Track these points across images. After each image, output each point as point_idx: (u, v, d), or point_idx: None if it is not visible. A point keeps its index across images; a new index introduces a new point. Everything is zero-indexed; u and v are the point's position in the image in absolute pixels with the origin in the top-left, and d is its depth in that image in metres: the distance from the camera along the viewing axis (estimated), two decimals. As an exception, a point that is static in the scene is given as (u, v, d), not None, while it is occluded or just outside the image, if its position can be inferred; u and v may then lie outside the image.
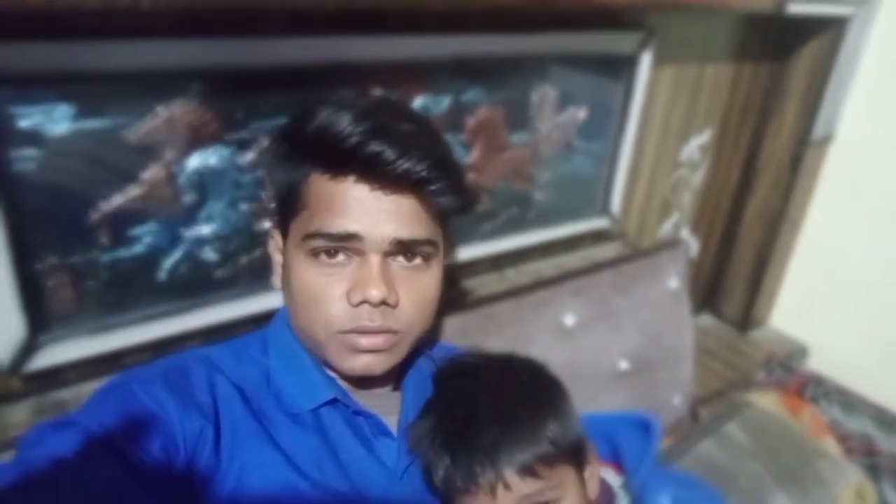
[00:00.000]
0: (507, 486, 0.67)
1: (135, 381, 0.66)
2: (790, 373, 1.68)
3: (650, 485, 0.80)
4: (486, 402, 0.71)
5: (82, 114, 0.83)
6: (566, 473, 0.72)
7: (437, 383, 0.79)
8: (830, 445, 1.47)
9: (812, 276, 1.79)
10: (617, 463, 0.85)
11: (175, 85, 0.89)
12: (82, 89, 0.82)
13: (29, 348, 0.87)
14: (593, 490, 0.76)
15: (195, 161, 0.94)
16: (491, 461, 0.67)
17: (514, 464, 0.67)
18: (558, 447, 0.70)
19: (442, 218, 0.74)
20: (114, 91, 0.85)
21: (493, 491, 0.67)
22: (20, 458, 0.56)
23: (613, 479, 0.84)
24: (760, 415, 1.45)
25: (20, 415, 0.88)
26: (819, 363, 1.76)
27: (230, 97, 0.94)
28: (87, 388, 0.91)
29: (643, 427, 0.86)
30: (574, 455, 0.73)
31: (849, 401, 1.55)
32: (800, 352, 1.79)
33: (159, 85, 0.88)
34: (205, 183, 0.96)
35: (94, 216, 0.89)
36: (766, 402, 1.53)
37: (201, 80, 0.91)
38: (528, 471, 0.67)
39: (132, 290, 0.95)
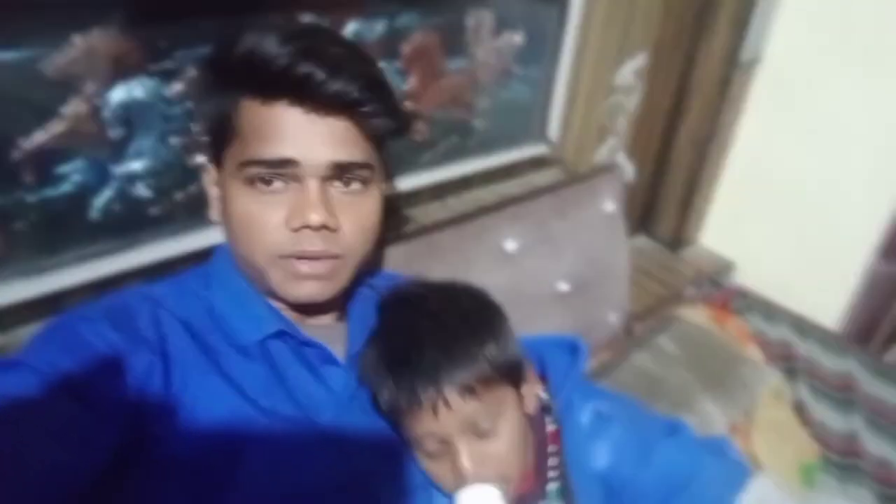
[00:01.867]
0: (448, 405, 0.69)
1: (78, 320, 0.66)
2: (718, 287, 1.78)
3: (573, 401, 0.84)
4: (428, 327, 0.73)
5: (-7, 45, 0.78)
6: (505, 392, 0.75)
7: (380, 312, 0.80)
8: (753, 353, 1.59)
9: (740, 196, 1.87)
10: (543, 378, 0.88)
11: (92, 12, 0.84)
12: (-10, 19, 0.77)
13: (-42, 294, 0.85)
14: (531, 405, 0.80)
15: (119, 94, 0.90)
16: (432, 381, 0.69)
17: (454, 383, 0.70)
18: (496, 367, 0.73)
19: (377, 141, 0.74)
20: (26, 21, 0.80)
21: (434, 410, 0.70)
22: None
23: (545, 394, 0.88)
24: (689, 327, 1.54)
25: (-44, 362, 0.86)
26: (745, 278, 1.86)
27: (152, 25, 0.89)
28: (26, 332, 0.89)
29: (571, 349, 0.89)
30: (512, 374, 0.76)
31: (770, 311, 1.66)
32: (727, 267, 1.89)
33: (75, 13, 0.83)
34: (131, 117, 0.92)
35: (16, 155, 0.85)
36: (695, 315, 1.62)
37: (119, 7, 0.86)
38: (467, 389, 0.70)
39: (64, 230, 0.93)
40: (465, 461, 0.71)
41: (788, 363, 1.59)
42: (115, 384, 0.62)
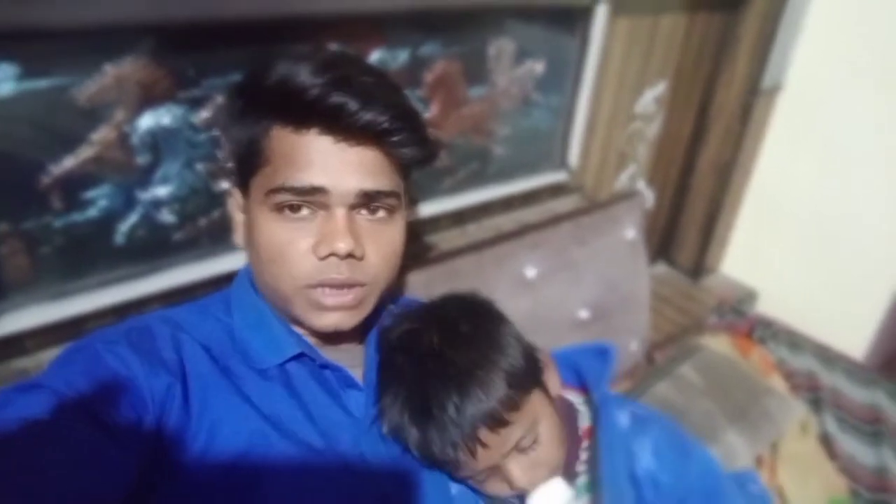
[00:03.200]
0: (485, 445, 0.69)
1: (98, 342, 0.66)
2: (740, 316, 1.76)
3: (610, 401, 0.85)
4: (436, 370, 0.71)
5: (27, 74, 0.80)
6: (532, 398, 0.74)
7: (384, 358, 0.77)
8: (777, 383, 1.55)
9: (761, 224, 1.86)
10: (582, 387, 0.89)
11: (123, 42, 0.86)
12: (26, 48, 0.79)
13: (-15, 317, 0.86)
14: (554, 387, 0.80)
15: (147, 121, 0.91)
16: (461, 430, 0.68)
17: (483, 422, 0.68)
18: (516, 383, 0.71)
19: (404, 170, 0.74)
20: (60, 49, 0.82)
21: (473, 454, 0.69)
22: None
23: (576, 397, 0.88)
24: (712, 356, 1.52)
25: (-20, 384, 0.87)
26: (767, 306, 1.84)
27: (181, 54, 0.91)
28: (49, 356, 0.89)
29: (601, 353, 0.91)
30: (534, 378, 0.75)
31: (794, 340, 1.63)
32: (749, 296, 1.87)
33: (107, 42, 0.85)
34: (158, 143, 0.93)
35: (46, 180, 0.86)
36: (718, 344, 1.60)
37: (151, 37, 0.88)
38: (497, 422, 0.69)
39: (89, 254, 0.94)
40: (519, 479, 0.71)
41: (813, 394, 1.56)
42: (135, 408, 0.62)
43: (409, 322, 0.77)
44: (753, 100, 1.69)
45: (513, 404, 0.70)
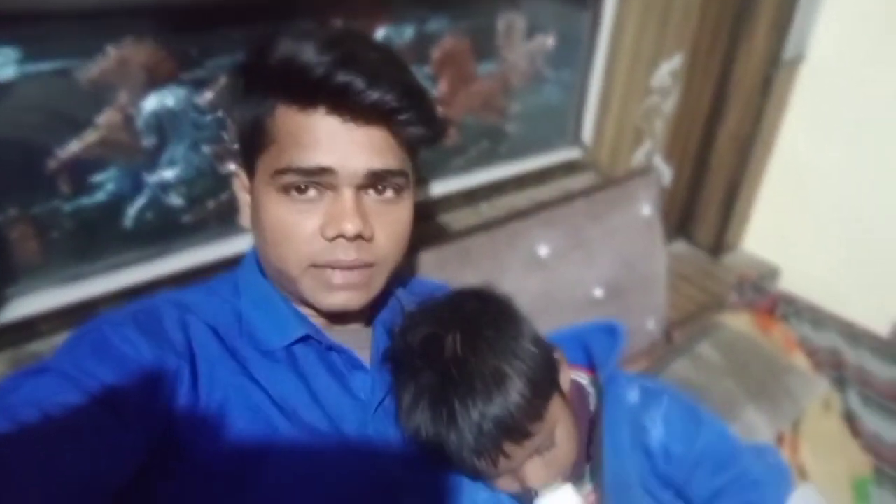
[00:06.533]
0: (508, 456, 0.68)
1: (106, 325, 0.65)
2: (761, 294, 1.72)
3: (619, 379, 0.84)
4: (461, 380, 0.69)
5: (29, 57, 0.80)
6: (553, 403, 0.73)
7: (401, 360, 0.75)
8: (799, 360, 1.52)
9: (783, 198, 1.81)
10: (591, 368, 0.88)
11: (124, 23, 0.86)
12: (27, 31, 0.79)
13: (-2, 301, 0.87)
14: (566, 383, 0.78)
15: (152, 103, 0.91)
16: (485, 444, 0.67)
17: (508, 437, 0.67)
18: (539, 394, 0.70)
19: (412, 149, 0.73)
20: (60, 32, 0.82)
21: (495, 463, 0.69)
22: None
23: (584, 379, 0.87)
24: (732, 334, 1.49)
25: (-3, 368, 0.88)
26: (790, 283, 1.80)
27: (183, 34, 0.91)
28: (62, 339, 0.89)
29: (609, 331, 0.90)
30: (551, 381, 0.74)
31: (818, 317, 1.59)
32: (771, 273, 1.83)
33: (108, 23, 0.85)
34: (164, 125, 0.93)
35: (53, 164, 0.87)
36: (738, 322, 1.57)
37: (152, 17, 0.87)
38: (521, 434, 0.68)
39: (99, 238, 0.94)
40: (534, 481, 0.71)
41: (837, 372, 1.52)
42: (143, 390, 0.62)
43: (429, 325, 0.74)
44: (774, 71, 1.64)
45: (536, 415, 0.69)
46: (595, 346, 0.88)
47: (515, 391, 0.67)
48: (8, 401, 0.55)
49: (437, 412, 0.69)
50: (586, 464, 0.79)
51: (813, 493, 0.90)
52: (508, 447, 0.68)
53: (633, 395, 0.83)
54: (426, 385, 0.70)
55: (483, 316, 0.74)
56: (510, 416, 0.66)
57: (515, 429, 0.67)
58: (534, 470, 0.71)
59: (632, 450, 0.81)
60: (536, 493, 0.73)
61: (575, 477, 0.78)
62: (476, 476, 0.73)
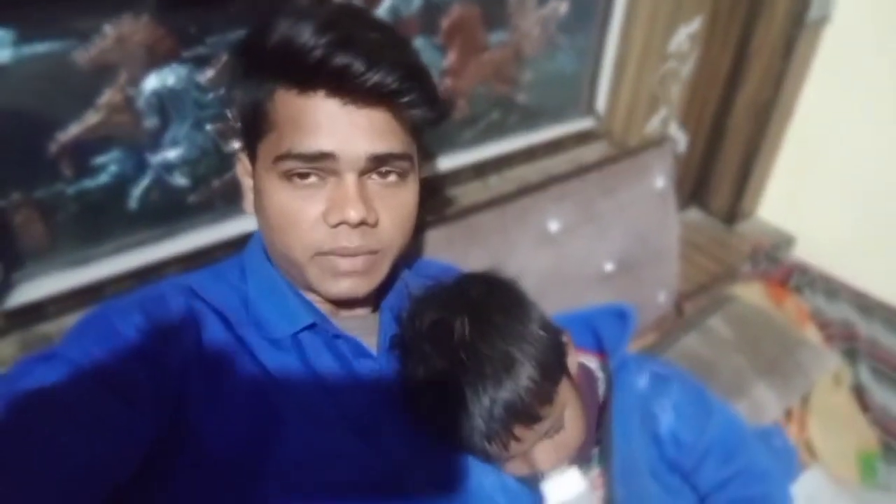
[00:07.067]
0: (518, 439, 0.69)
1: (113, 312, 0.65)
2: (775, 263, 1.70)
3: (629, 364, 0.84)
4: (470, 365, 0.69)
5: (24, 39, 0.78)
6: (562, 387, 0.73)
7: (410, 344, 0.74)
8: (811, 333, 1.51)
9: (801, 166, 1.76)
10: (600, 352, 0.88)
11: (121, 1, 0.83)
12: (20, 12, 0.77)
13: (5, 286, 0.87)
14: (573, 366, 0.79)
15: (152, 82, 0.89)
16: (496, 428, 0.67)
17: (519, 420, 0.68)
18: (549, 378, 0.70)
19: (415, 131, 0.71)
20: (56, 12, 0.79)
21: (506, 447, 0.69)
22: (8, 391, 0.56)
23: (594, 364, 0.87)
24: (743, 307, 1.48)
25: (7, 350, 0.89)
26: (805, 252, 1.77)
27: (182, 11, 0.88)
28: (70, 320, 0.90)
29: (619, 315, 0.90)
30: (560, 365, 0.74)
31: (832, 288, 1.58)
32: (786, 242, 1.79)
33: (104, 2, 0.82)
34: (165, 105, 0.91)
35: (54, 147, 0.85)
36: (751, 293, 1.55)
37: (148, -6, 0.84)
38: (531, 418, 0.68)
39: (104, 220, 0.93)
40: (544, 464, 0.72)
41: (849, 344, 1.51)
42: (151, 376, 0.62)
43: (437, 309, 0.73)
44: (797, 33, 1.57)
45: (546, 398, 0.69)
46: (605, 330, 0.88)
47: (525, 375, 0.67)
48: (16, 386, 0.56)
49: (447, 397, 0.69)
50: (594, 447, 0.80)
51: (819, 476, 0.90)
52: (519, 430, 0.68)
53: (642, 382, 0.84)
54: (435, 370, 0.71)
55: (490, 300, 0.73)
56: (520, 399, 0.67)
57: (526, 413, 0.67)
58: (543, 453, 0.72)
59: (640, 436, 0.82)
60: (543, 477, 0.74)
61: (582, 460, 0.78)
62: (486, 460, 0.73)
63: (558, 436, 0.73)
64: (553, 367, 0.71)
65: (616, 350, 0.85)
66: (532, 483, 0.75)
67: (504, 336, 0.70)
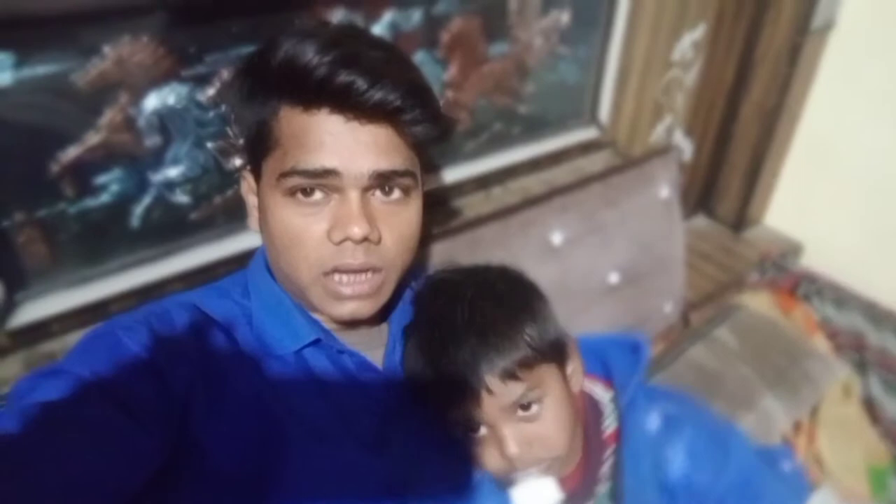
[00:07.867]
0: (491, 392, 0.69)
1: (119, 329, 0.65)
2: (783, 272, 1.68)
3: (639, 402, 0.82)
4: (464, 316, 0.72)
5: (24, 61, 0.78)
6: (547, 372, 0.73)
7: (416, 303, 0.79)
8: (820, 343, 1.49)
9: (809, 173, 1.75)
10: (608, 380, 0.86)
11: (120, 21, 0.83)
12: (19, 35, 0.77)
13: (8, 306, 0.87)
14: (577, 383, 0.79)
15: (152, 102, 0.89)
16: (472, 370, 0.69)
17: (494, 370, 0.69)
18: (536, 348, 0.71)
19: (418, 148, 0.72)
20: (54, 34, 0.80)
21: (477, 398, 0.69)
22: (13, 407, 0.56)
23: (603, 393, 0.85)
24: (751, 317, 1.46)
25: (12, 369, 0.89)
26: (813, 260, 1.75)
27: (181, 30, 0.88)
28: (74, 339, 0.90)
29: (633, 348, 0.88)
30: (554, 354, 0.75)
31: (841, 297, 1.56)
32: (794, 250, 1.78)
33: (103, 23, 0.82)
34: (166, 124, 0.92)
35: (55, 167, 0.86)
36: (758, 303, 1.54)
37: (147, 15, 0.85)
38: (508, 374, 0.69)
39: (106, 239, 0.94)
40: (512, 447, 0.70)
41: (859, 354, 1.49)
42: (158, 393, 0.62)
43: (450, 274, 0.80)
44: (802, 40, 1.56)
45: (527, 364, 0.70)
46: (615, 362, 0.87)
47: (513, 335, 0.70)
48: (23, 403, 0.56)
49: (436, 341, 0.72)
50: (597, 484, 0.78)
51: (829, 497, 0.88)
52: (493, 383, 0.69)
53: (654, 423, 0.81)
54: (432, 317, 0.75)
55: (502, 279, 0.78)
56: (500, 352, 0.69)
57: (502, 367, 0.69)
58: (514, 438, 0.71)
59: (651, 480, 0.80)
60: (517, 480, 0.73)
61: (584, 496, 0.77)
62: (456, 426, 0.74)
63: (531, 426, 0.72)
64: (543, 346, 0.72)
65: (626, 385, 0.83)
66: (506, 486, 0.75)
67: (504, 303, 0.73)
